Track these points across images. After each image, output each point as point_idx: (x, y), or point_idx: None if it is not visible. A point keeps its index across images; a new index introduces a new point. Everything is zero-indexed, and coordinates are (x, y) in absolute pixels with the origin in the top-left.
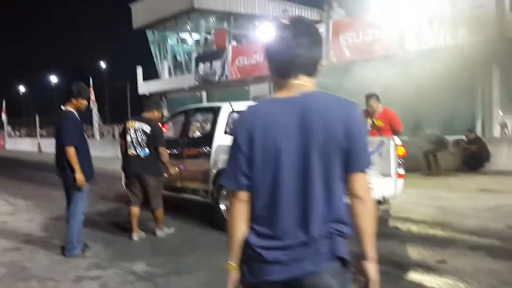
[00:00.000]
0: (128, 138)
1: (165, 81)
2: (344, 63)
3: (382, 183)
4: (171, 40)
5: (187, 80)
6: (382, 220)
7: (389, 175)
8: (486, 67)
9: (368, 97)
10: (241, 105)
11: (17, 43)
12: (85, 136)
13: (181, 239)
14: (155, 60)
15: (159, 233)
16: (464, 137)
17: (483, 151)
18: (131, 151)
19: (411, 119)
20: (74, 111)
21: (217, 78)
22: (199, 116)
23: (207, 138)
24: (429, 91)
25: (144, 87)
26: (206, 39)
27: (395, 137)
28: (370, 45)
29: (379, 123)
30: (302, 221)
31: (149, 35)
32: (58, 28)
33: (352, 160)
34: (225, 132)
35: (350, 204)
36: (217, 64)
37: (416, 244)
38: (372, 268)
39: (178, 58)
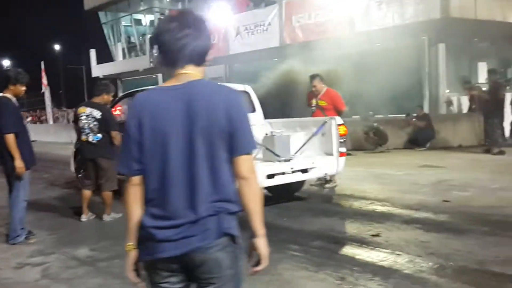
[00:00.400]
0: (80, 124)
1: (119, 64)
2: (296, 44)
3: (324, 161)
4: (125, 22)
5: (142, 62)
6: (326, 197)
7: (331, 154)
8: (432, 46)
9: (312, 77)
10: None
11: None
12: (24, 123)
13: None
14: (108, 42)
15: (105, 217)
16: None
17: (430, 128)
18: (84, 137)
19: (360, 99)
20: (12, 98)
21: None
22: None
23: None
24: (378, 71)
25: (98, 70)
26: (159, 19)
27: (337, 117)
28: (321, 26)
29: (322, 103)
30: (190, 201)
31: (102, 16)
32: (7, 10)
33: (235, 144)
34: None
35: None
36: None
37: (354, 219)
38: (262, 244)
39: (133, 39)
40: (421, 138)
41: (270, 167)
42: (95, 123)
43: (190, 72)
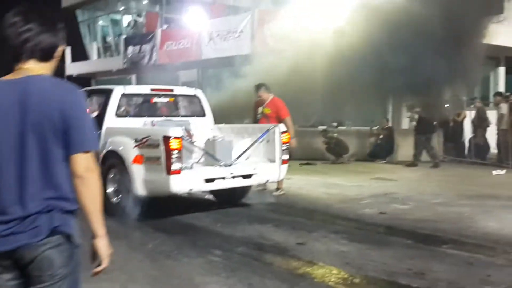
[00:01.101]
0: None
1: (94, 63)
2: (266, 51)
3: (266, 168)
4: (103, 21)
5: (116, 63)
6: (269, 205)
7: (274, 161)
8: None
9: (257, 87)
10: (136, 88)
11: None
12: None
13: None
14: (84, 41)
15: None
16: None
17: (390, 141)
18: None
19: (327, 110)
20: None
21: (146, 61)
22: (94, 99)
23: (98, 120)
24: (347, 83)
25: (72, 68)
26: (135, 21)
27: (281, 124)
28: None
29: (267, 110)
30: (20, 197)
31: (79, 15)
32: None
33: (71, 142)
34: (117, 115)
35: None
36: (146, 47)
37: (287, 227)
38: (102, 245)
39: (108, 39)
40: (381, 151)
41: (209, 171)
42: None
43: (30, 67)
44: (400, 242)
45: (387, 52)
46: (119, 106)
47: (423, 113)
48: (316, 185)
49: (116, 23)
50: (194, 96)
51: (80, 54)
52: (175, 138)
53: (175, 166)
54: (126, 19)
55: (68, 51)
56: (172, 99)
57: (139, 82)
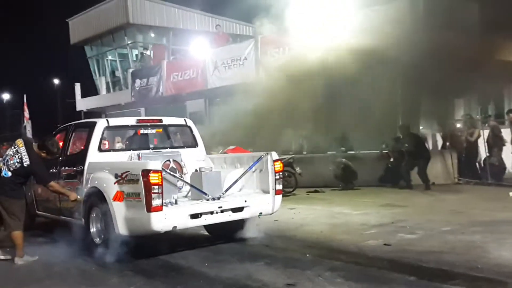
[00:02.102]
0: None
1: (103, 98)
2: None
3: (259, 199)
4: (111, 56)
5: (124, 96)
6: (267, 239)
7: (267, 192)
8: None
9: None
10: (121, 120)
11: None
12: None
13: (37, 268)
14: (93, 76)
15: (17, 260)
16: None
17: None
18: None
19: (335, 136)
20: None
21: (153, 93)
22: (80, 133)
23: (81, 155)
24: (354, 107)
25: (83, 104)
26: (142, 54)
27: (273, 152)
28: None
29: None
30: None
31: (87, 51)
32: None
33: None
34: (100, 150)
35: None
36: (153, 79)
37: (279, 266)
38: None
39: (117, 74)
40: (392, 175)
41: (194, 206)
42: (17, 164)
43: None
44: (402, 279)
45: (395, 69)
46: (102, 140)
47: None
48: (320, 215)
49: (124, 57)
50: (185, 126)
51: (90, 89)
52: (154, 171)
53: (155, 202)
54: (134, 53)
55: (78, 87)
56: (160, 130)
57: (148, 114)
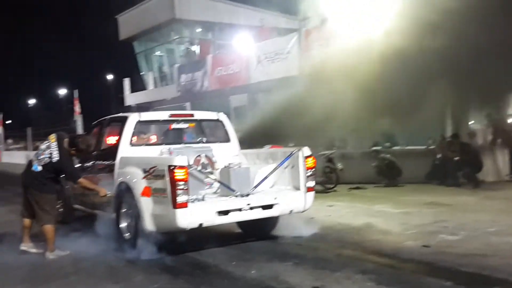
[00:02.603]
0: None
1: (150, 93)
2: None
3: (289, 197)
4: (159, 51)
5: (170, 91)
6: (299, 238)
7: (298, 189)
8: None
9: None
10: (153, 115)
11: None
12: None
13: (66, 262)
14: (141, 71)
15: (48, 254)
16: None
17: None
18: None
19: (380, 130)
20: None
21: (198, 88)
22: (113, 127)
23: (113, 150)
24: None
25: (131, 99)
26: (188, 49)
27: (305, 148)
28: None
29: None
30: None
31: (136, 46)
32: (47, 40)
33: None
34: (132, 144)
35: None
36: (198, 74)
37: (308, 266)
38: None
39: (164, 69)
40: (439, 171)
41: (222, 202)
42: (47, 159)
43: None
44: (436, 284)
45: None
46: (133, 135)
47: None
48: (359, 213)
49: (170, 52)
50: (217, 120)
51: (138, 84)
52: (180, 167)
53: (181, 199)
54: (180, 48)
55: (127, 82)
56: (193, 124)
57: (193, 109)
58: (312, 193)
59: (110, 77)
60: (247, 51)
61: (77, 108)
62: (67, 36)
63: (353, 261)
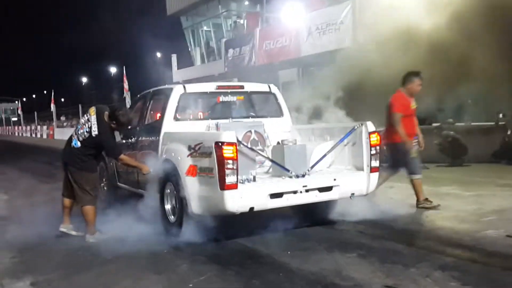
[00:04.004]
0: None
1: (198, 69)
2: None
3: (350, 178)
4: (206, 26)
5: (218, 67)
6: (360, 224)
7: (361, 169)
8: None
9: (414, 75)
10: (198, 87)
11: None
12: None
13: (106, 248)
14: (189, 47)
15: (88, 237)
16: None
17: None
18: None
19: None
20: None
21: (245, 63)
22: (157, 100)
23: (157, 125)
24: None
25: (178, 75)
26: (235, 23)
27: (368, 123)
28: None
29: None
30: None
31: (183, 21)
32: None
33: None
34: (176, 119)
35: None
36: (246, 49)
37: (376, 260)
38: None
39: (211, 44)
40: (510, 150)
41: (275, 184)
42: (86, 133)
43: None
44: None
45: None
46: (178, 108)
47: None
48: (425, 195)
49: (218, 27)
50: (269, 93)
51: (186, 61)
52: (228, 144)
53: (229, 179)
54: (227, 22)
55: (174, 59)
56: (242, 97)
57: None
58: (376, 174)
59: (157, 54)
60: (297, 23)
61: (126, 85)
62: (116, 13)
63: (428, 254)
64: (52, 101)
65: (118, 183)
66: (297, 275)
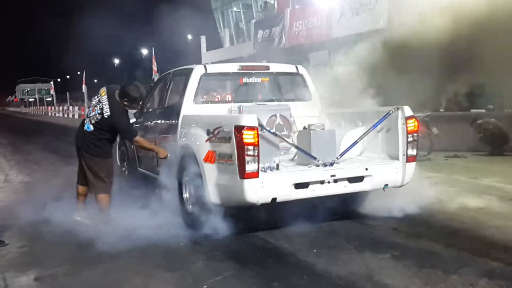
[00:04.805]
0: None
1: (227, 50)
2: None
3: (384, 168)
4: (235, 7)
5: (247, 49)
6: (393, 219)
7: (396, 158)
8: None
9: None
10: (220, 67)
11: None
12: None
13: (120, 239)
14: (218, 28)
15: (101, 227)
16: None
17: None
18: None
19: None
20: None
21: (275, 45)
22: (177, 81)
23: (176, 107)
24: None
25: (207, 57)
26: (266, 3)
27: (405, 107)
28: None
29: None
30: None
31: (213, 2)
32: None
33: None
34: (196, 101)
35: None
36: (275, 30)
37: (411, 262)
38: None
39: (240, 25)
40: None
41: (300, 173)
42: (98, 115)
43: None
44: None
45: None
46: (198, 90)
47: None
48: (464, 189)
49: (247, 7)
50: (297, 74)
51: (215, 42)
52: (249, 128)
53: (250, 167)
54: (258, 3)
55: (203, 40)
56: (267, 79)
57: None
58: (413, 164)
59: (189, 36)
60: (329, 3)
61: (155, 66)
62: None
63: (471, 257)
64: (84, 82)
65: (139, 168)
66: (324, 278)
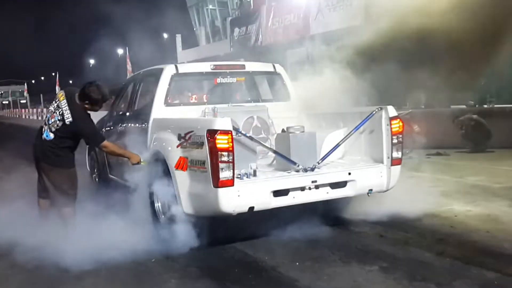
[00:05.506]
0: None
1: (202, 49)
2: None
3: (368, 172)
4: (211, 4)
5: (223, 47)
6: (379, 225)
7: (381, 161)
8: None
9: None
10: (192, 67)
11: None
12: None
13: (87, 256)
14: (194, 26)
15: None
16: None
17: None
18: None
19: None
20: None
21: (252, 43)
22: (147, 82)
23: (146, 110)
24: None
25: (183, 56)
26: (241, 0)
27: (389, 107)
28: None
29: None
30: None
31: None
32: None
33: None
34: (167, 103)
35: None
36: (252, 27)
37: (401, 273)
38: None
39: (216, 23)
40: None
41: (279, 180)
42: (59, 122)
43: None
44: None
45: None
46: (169, 91)
47: None
48: (450, 189)
49: (223, 5)
50: (274, 73)
51: (191, 41)
52: (222, 132)
53: (224, 174)
54: (233, 0)
55: (179, 39)
56: (243, 78)
57: None
58: (398, 167)
59: (163, 34)
60: None
61: (129, 66)
62: None
63: (464, 267)
64: (57, 83)
65: (110, 175)
66: None
